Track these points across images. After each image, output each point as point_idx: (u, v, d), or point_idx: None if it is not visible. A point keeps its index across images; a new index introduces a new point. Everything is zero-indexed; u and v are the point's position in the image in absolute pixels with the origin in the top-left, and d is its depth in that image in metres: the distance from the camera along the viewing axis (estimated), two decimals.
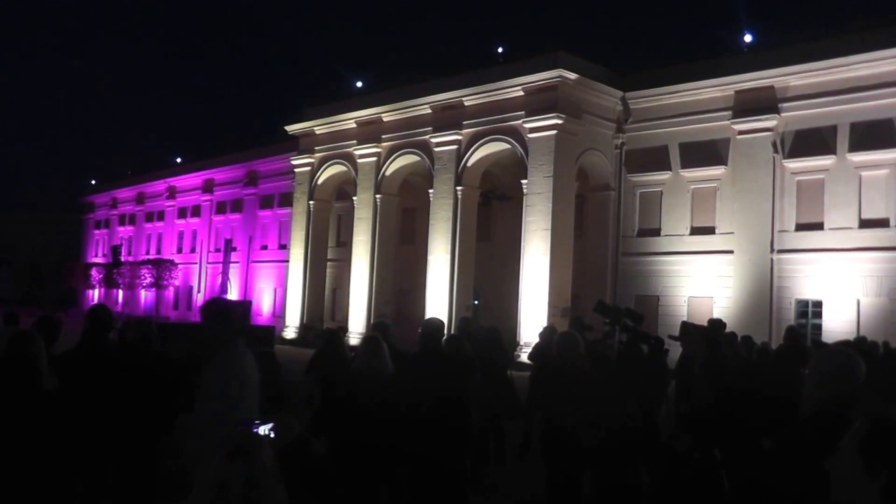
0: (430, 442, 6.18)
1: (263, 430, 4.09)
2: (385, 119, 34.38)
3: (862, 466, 2.56)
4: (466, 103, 30.80)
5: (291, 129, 39.67)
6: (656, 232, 29.01)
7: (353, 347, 14.44)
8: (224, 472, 2.16)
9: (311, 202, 38.60)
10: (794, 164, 25.65)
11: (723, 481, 5.33)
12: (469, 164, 31.06)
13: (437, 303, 30.49)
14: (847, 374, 3.02)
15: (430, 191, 32.22)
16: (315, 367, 10.17)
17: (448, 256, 30.87)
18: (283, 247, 43.23)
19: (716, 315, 21.26)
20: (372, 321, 31.90)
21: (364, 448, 6.42)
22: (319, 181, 38.51)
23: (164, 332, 7.09)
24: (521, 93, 28.89)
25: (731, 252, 26.56)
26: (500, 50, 33.86)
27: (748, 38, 30.00)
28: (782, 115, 25.77)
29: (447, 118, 31.47)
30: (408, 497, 6.68)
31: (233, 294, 43.30)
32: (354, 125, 35.93)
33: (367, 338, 7.08)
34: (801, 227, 25.52)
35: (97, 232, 68.11)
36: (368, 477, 6.65)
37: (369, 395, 6.43)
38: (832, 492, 2.61)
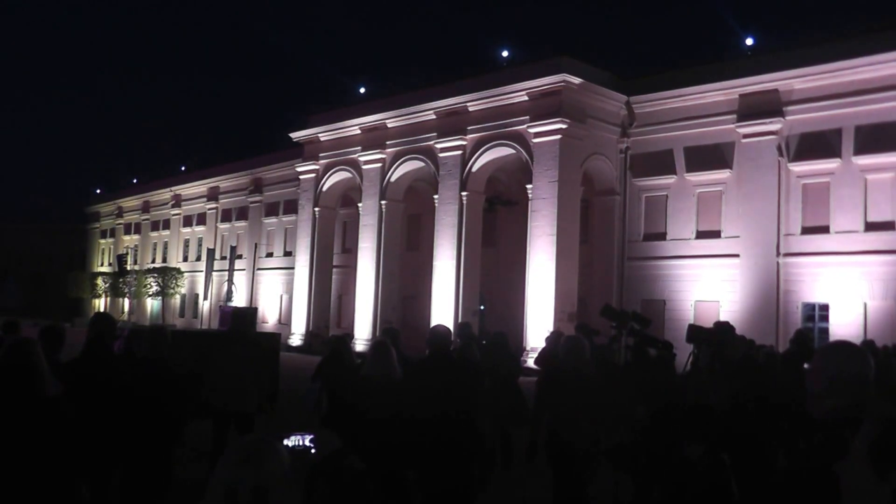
0: (439, 445, 6.18)
1: (304, 441, 4.07)
2: (389, 125, 34.43)
3: (872, 470, 2.54)
4: (471, 109, 30.83)
5: (296, 136, 39.76)
6: (662, 236, 28.99)
7: (360, 354, 14.45)
8: (233, 478, 2.16)
9: (317, 209, 38.66)
10: (799, 168, 25.62)
11: (732, 487, 5.31)
12: (474, 169, 31.07)
13: (443, 309, 30.47)
14: (858, 377, 2.87)
15: (436, 196, 32.23)
16: (322, 374, 10.18)
17: (454, 262, 30.86)
18: (289, 254, 43.30)
19: (722, 319, 21.20)
20: (378, 327, 31.91)
21: (372, 454, 6.41)
22: (324, 188, 38.57)
23: (174, 340, 7.10)
24: (526, 98, 28.92)
25: (737, 256, 26.52)
26: (504, 55, 33.93)
27: (752, 41, 30.02)
28: (787, 118, 25.75)
29: (451, 124, 31.50)
30: (418, 501, 6.67)
31: (239, 301, 43.34)
32: (359, 132, 35.99)
33: (376, 343, 7.08)
34: (806, 231, 25.47)
35: (103, 241, 68.33)
36: (377, 480, 6.65)
37: (378, 400, 6.42)
38: (843, 496, 2.59)
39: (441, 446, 6.18)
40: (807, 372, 2.99)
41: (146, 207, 60.38)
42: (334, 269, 39.72)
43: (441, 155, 32.01)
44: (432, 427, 6.20)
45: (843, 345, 3.10)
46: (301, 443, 4.09)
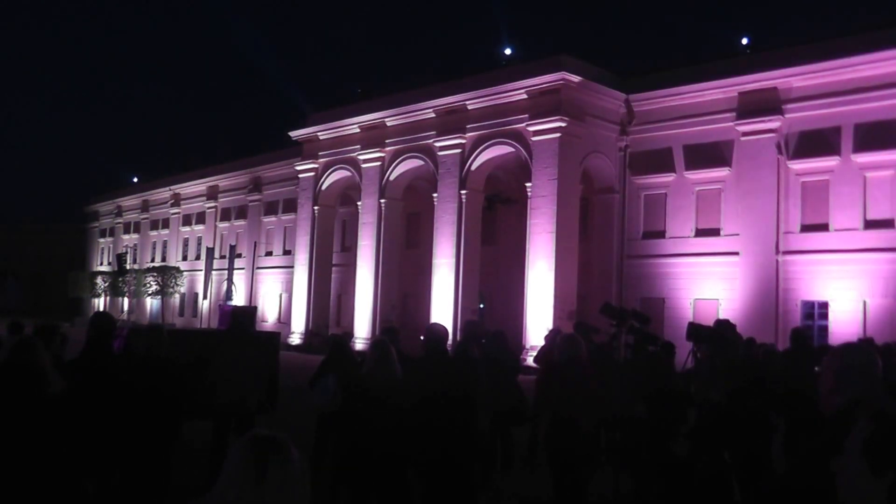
0: (438, 444, 6.19)
1: None
2: (389, 124, 34.41)
3: (867, 466, 2.54)
4: (470, 107, 30.81)
5: (295, 134, 39.74)
6: (661, 234, 28.98)
7: (360, 353, 14.45)
8: (256, 472, 2.10)
9: (316, 208, 38.65)
10: (798, 166, 25.62)
11: (733, 486, 5.32)
12: (473, 167, 31.06)
13: (443, 307, 30.48)
14: (864, 373, 2.88)
15: (435, 195, 32.23)
16: (334, 367, 10.15)
17: (453, 261, 30.85)
18: (288, 253, 43.28)
19: (722, 317, 21.20)
20: (378, 326, 31.92)
21: (374, 450, 6.43)
22: (324, 186, 38.56)
23: (173, 339, 7.11)
24: (525, 96, 28.91)
25: (736, 254, 26.52)
26: (503, 53, 33.91)
27: (751, 39, 30.03)
28: (786, 116, 25.74)
29: (451, 122, 31.48)
30: (418, 500, 6.69)
31: (238, 300, 43.33)
32: (358, 130, 35.98)
33: (376, 342, 7.10)
34: (806, 229, 25.47)
35: (102, 240, 68.29)
36: (378, 479, 6.66)
37: (380, 398, 6.44)
38: (838, 493, 2.58)
39: (441, 444, 6.19)
40: (819, 371, 3.04)
41: (145, 206, 60.34)
42: (334, 268, 39.70)
43: (440, 153, 32.01)
44: (432, 424, 6.22)
45: (851, 344, 3.17)
46: None
